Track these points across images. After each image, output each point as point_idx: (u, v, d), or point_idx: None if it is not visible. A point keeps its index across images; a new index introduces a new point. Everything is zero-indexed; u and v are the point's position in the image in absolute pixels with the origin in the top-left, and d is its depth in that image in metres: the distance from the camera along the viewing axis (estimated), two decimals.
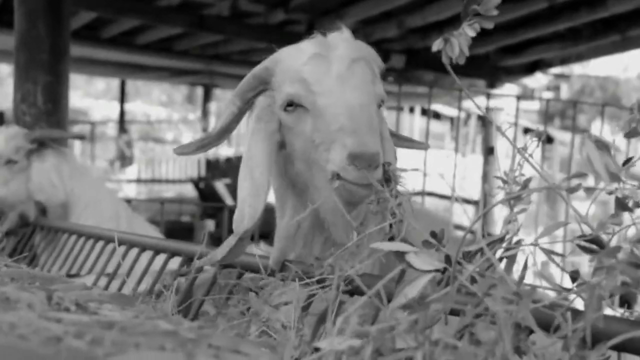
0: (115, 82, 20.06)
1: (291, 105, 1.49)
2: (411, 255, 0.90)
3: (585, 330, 0.76)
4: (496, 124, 1.11)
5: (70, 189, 3.05)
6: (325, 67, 1.46)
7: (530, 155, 0.97)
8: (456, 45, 1.00)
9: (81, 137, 3.37)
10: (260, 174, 1.50)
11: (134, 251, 1.91)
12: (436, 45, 1.05)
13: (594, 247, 0.89)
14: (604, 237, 0.89)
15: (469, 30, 1.01)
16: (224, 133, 1.60)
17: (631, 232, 0.87)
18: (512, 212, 0.93)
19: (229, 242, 1.47)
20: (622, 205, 0.88)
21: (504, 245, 0.93)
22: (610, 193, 0.89)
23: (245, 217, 1.48)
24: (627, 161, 0.98)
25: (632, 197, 0.89)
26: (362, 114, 1.40)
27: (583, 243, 0.89)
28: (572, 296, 0.86)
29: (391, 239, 1.11)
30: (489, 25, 1.03)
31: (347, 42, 1.53)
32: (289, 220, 1.60)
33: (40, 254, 2.78)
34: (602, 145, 0.89)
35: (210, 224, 7.96)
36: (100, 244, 2.13)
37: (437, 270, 0.90)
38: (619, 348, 0.82)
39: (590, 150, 0.89)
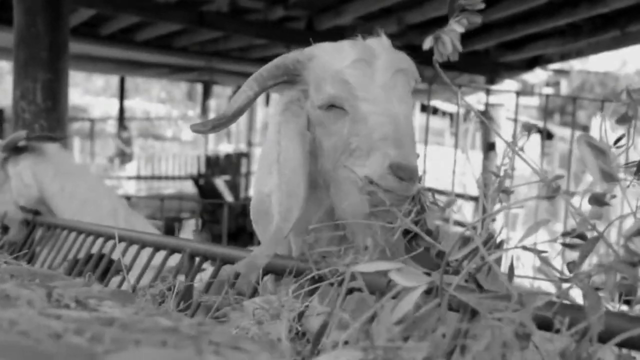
0: (114, 79, 20.06)
1: (330, 106, 1.48)
2: (394, 273, 0.89)
3: (585, 328, 0.76)
4: (491, 120, 1.11)
5: (58, 188, 3.02)
6: (369, 74, 1.45)
7: (521, 149, 0.97)
8: (448, 42, 0.99)
9: (56, 139, 3.28)
10: (294, 172, 1.45)
11: (134, 248, 1.91)
12: (427, 43, 1.04)
13: (582, 242, 0.89)
14: (598, 232, 0.89)
15: (457, 27, 1.00)
16: (238, 115, 1.58)
17: (627, 226, 0.87)
18: (492, 211, 0.93)
19: (268, 248, 1.39)
20: (597, 200, 0.88)
21: (490, 245, 0.93)
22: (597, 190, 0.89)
23: (279, 218, 1.41)
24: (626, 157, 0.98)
25: (609, 192, 0.88)
26: (406, 125, 1.40)
27: (570, 241, 0.89)
28: (571, 295, 0.87)
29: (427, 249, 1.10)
30: (477, 20, 1.01)
31: (391, 51, 1.53)
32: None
33: (39, 251, 2.78)
34: (595, 146, 0.89)
35: (191, 224, 7.93)
36: (100, 240, 2.13)
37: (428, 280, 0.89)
38: (619, 344, 0.82)
39: (584, 152, 0.89)
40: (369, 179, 1.34)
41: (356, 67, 1.46)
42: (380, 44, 1.53)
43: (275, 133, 1.53)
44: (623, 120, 1.03)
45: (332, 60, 1.51)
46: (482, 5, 1.01)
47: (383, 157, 1.35)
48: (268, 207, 1.49)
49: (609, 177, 0.88)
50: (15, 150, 3.03)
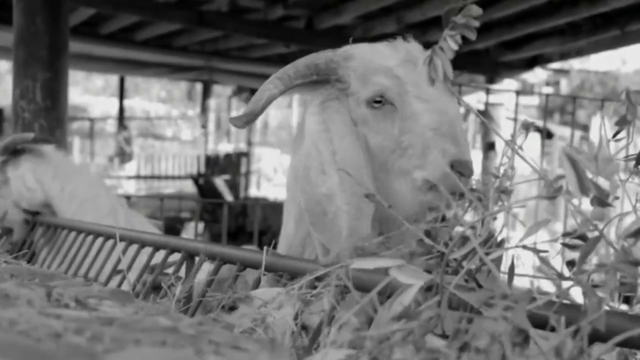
0: (114, 79, 20.04)
1: (379, 102, 1.47)
2: (394, 270, 0.89)
3: (585, 327, 0.76)
4: (490, 120, 1.10)
5: (58, 188, 3.02)
6: (417, 74, 1.45)
7: (520, 147, 0.97)
8: (439, 67, 0.98)
9: (49, 140, 3.27)
10: (357, 170, 1.42)
11: (134, 247, 1.91)
12: (424, 62, 1.02)
13: (581, 243, 0.89)
14: (600, 231, 0.89)
15: (451, 43, 0.99)
16: (261, 112, 1.55)
17: (626, 224, 0.87)
18: (492, 211, 0.93)
19: (345, 245, 1.36)
20: (599, 201, 0.88)
21: (490, 244, 0.93)
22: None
23: (349, 218, 1.40)
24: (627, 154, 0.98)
25: (611, 193, 0.88)
26: (460, 124, 1.41)
27: (571, 241, 0.89)
28: (570, 293, 0.86)
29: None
30: (472, 36, 1.00)
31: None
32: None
33: (39, 251, 2.78)
34: (577, 163, 0.88)
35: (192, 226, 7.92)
36: (100, 240, 2.13)
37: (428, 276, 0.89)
38: (619, 344, 0.82)
39: (565, 167, 0.89)
40: (429, 182, 1.32)
41: (405, 66, 1.46)
42: (418, 50, 1.54)
43: (319, 131, 1.50)
44: (622, 122, 1.03)
45: (378, 58, 1.51)
46: (477, 23, 1.00)
47: (442, 155, 1.34)
48: (326, 207, 1.45)
49: (593, 190, 0.88)
50: (14, 152, 3.02)
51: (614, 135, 1.02)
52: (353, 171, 1.42)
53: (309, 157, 1.50)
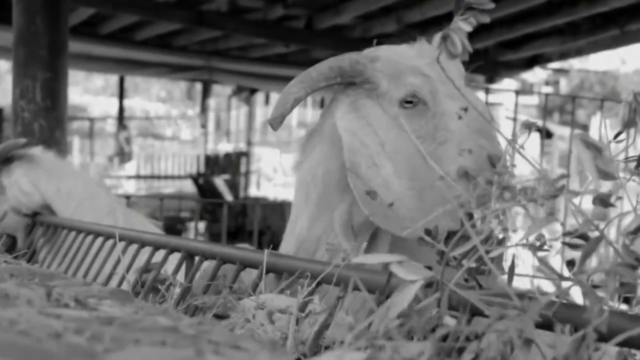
0: (114, 78, 20.04)
1: (410, 102, 1.49)
2: (395, 266, 0.89)
3: (590, 333, 0.75)
4: (490, 119, 1.10)
5: (54, 189, 3.01)
6: (445, 74, 1.48)
7: (522, 147, 0.97)
8: (457, 40, 0.98)
9: (23, 144, 3.25)
10: (411, 158, 1.46)
11: (133, 247, 1.91)
12: (435, 41, 1.03)
13: (582, 242, 0.89)
14: (600, 231, 0.89)
15: (464, 25, 0.99)
16: (291, 112, 1.58)
17: (626, 224, 0.87)
18: (498, 208, 0.93)
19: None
20: (602, 201, 0.88)
21: (491, 242, 0.93)
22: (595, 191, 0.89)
23: (410, 202, 1.44)
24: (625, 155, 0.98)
25: (615, 192, 0.88)
26: (490, 120, 1.44)
27: (571, 241, 0.89)
28: (570, 293, 0.86)
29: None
30: (485, 19, 1.00)
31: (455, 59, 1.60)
32: (343, 218, 1.58)
33: (39, 251, 2.78)
34: (592, 145, 0.89)
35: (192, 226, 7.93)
36: (100, 240, 2.13)
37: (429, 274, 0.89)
38: (620, 344, 0.82)
39: (580, 150, 0.89)
40: (462, 171, 1.34)
41: (434, 67, 1.48)
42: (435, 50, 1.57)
43: (362, 126, 1.53)
44: (628, 124, 1.03)
45: (406, 59, 1.54)
46: (491, 5, 1.00)
47: (480, 149, 1.36)
48: (384, 197, 1.45)
49: (605, 175, 0.88)
50: (5, 161, 3.01)
51: (616, 136, 1.02)
52: (406, 157, 1.47)
53: (355, 154, 1.52)
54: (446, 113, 1.46)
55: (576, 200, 0.87)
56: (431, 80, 1.49)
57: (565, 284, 0.86)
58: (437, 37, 1.02)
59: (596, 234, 0.86)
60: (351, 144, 1.54)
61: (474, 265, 0.91)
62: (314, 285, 1.22)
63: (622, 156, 0.99)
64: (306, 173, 1.71)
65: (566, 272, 0.90)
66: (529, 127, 0.97)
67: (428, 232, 1.00)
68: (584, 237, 0.88)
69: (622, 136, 1.04)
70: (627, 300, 1.14)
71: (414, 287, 0.85)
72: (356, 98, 1.59)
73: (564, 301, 0.85)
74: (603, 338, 0.79)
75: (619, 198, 0.88)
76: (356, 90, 1.59)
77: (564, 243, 0.89)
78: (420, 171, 1.45)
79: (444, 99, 1.47)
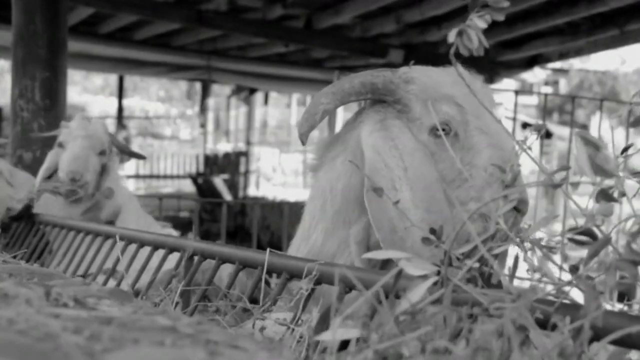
0: (113, 78, 20.02)
1: (443, 130, 1.47)
2: (403, 262, 0.90)
3: (586, 328, 0.75)
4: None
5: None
6: (478, 105, 1.44)
7: (529, 148, 0.97)
8: (474, 36, 0.97)
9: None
10: (431, 187, 1.44)
11: (133, 247, 1.91)
12: (451, 36, 1.01)
13: (588, 239, 0.89)
14: (602, 229, 0.89)
15: (479, 22, 0.98)
16: (320, 123, 1.57)
17: (629, 224, 0.87)
18: (502, 207, 0.93)
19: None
20: (606, 196, 0.88)
21: (495, 240, 0.93)
22: (594, 184, 0.89)
23: (421, 234, 1.44)
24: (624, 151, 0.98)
25: (617, 188, 0.88)
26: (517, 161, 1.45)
27: (576, 237, 0.89)
28: (570, 292, 0.86)
29: None
30: (500, 17, 0.99)
31: (485, 85, 1.59)
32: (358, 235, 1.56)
33: (39, 250, 2.77)
34: (590, 142, 0.89)
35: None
36: (99, 240, 2.13)
37: (435, 272, 0.89)
38: (618, 343, 0.82)
39: (578, 147, 0.89)
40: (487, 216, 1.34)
41: (468, 95, 1.46)
42: (473, 77, 1.56)
43: (388, 148, 1.51)
44: (637, 123, 1.02)
45: (440, 86, 1.52)
46: (507, 3, 0.99)
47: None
48: (397, 224, 1.43)
49: (602, 172, 0.88)
50: None
51: (624, 151, 1.00)
52: (425, 187, 1.43)
53: (376, 174, 1.49)
54: (474, 148, 1.45)
55: (577, 200, 0.87)
56: (464, 112, 1.47)
57: (564, 280, 0.86)
58: (453, 32, 1.02)
59: (601, 230, 0.86)
60: (374, 163, 1.51)
61: (477, 264, 0.91)
62: (312, 285, 1.22)
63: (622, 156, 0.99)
64: (325, 182, 1.67)
65: (566, 273, 0.90)
66: (539, 129, 0.97)
67: (433, 231, 1.00)
68: (587, 233, 0.88)
69: (622, 136, 1.04)
70: (624, 300, 1.14)
71: (426, 283, 0.86)
72: (385, 116, 1.56)
73: (565, 301, 0.85)
74: (598, 336, 0.79)
75: (624, 195, 0.88)
76: (386, 108, 1.57)
77: (569, 239, 0.89)
78: (438, 204, 1.42)
79: (474, 133, 1.46)
